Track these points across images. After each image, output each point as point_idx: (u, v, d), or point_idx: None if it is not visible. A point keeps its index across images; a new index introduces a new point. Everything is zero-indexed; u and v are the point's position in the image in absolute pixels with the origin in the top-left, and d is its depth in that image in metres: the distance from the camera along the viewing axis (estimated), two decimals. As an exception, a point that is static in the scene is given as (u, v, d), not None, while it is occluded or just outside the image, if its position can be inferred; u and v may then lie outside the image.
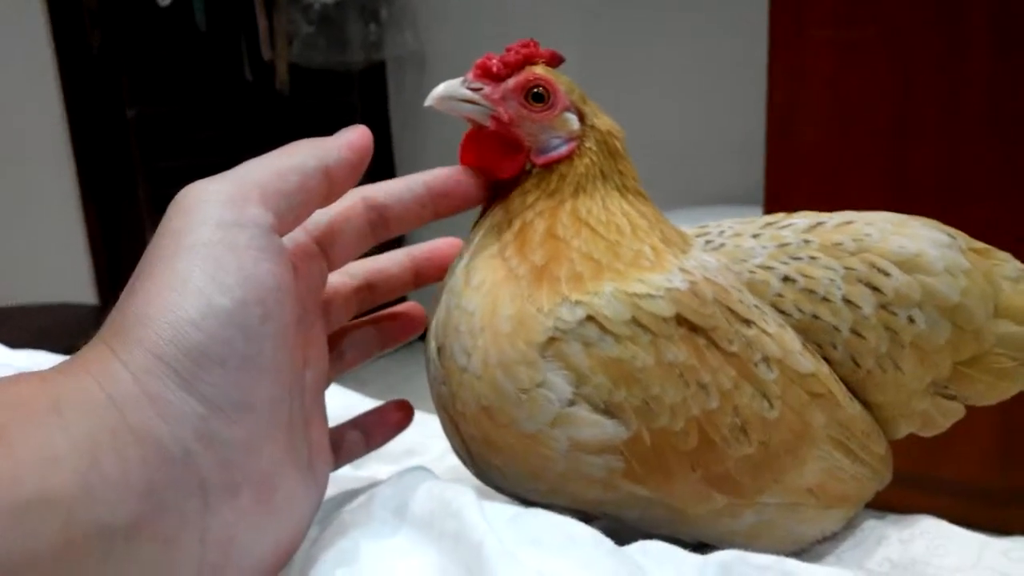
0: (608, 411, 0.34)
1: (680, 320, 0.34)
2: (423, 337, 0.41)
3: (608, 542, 0.31)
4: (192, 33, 2.26)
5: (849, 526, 0.40)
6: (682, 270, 0.36)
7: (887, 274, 0.37)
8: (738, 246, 0.38)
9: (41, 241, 2.20)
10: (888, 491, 0.40)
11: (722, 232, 0.39)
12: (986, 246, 0.39)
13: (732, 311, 0.35)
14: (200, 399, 0.27)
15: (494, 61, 0.37)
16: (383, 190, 0.39)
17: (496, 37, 0.42)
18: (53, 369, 0.28)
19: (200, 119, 2.37)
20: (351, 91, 2.44)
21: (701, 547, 0.35)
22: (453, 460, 0.44)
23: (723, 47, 1.93)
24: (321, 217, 0.37)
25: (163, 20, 2.20)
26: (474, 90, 0.37)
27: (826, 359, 0.37)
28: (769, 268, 0.37)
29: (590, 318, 0.34)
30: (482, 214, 0.39)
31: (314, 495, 0.33)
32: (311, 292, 0.36)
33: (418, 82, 2.42)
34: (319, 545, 0.32)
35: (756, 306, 0.36)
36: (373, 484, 0.37)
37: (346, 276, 0.41)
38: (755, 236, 0.39)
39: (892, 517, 0.41)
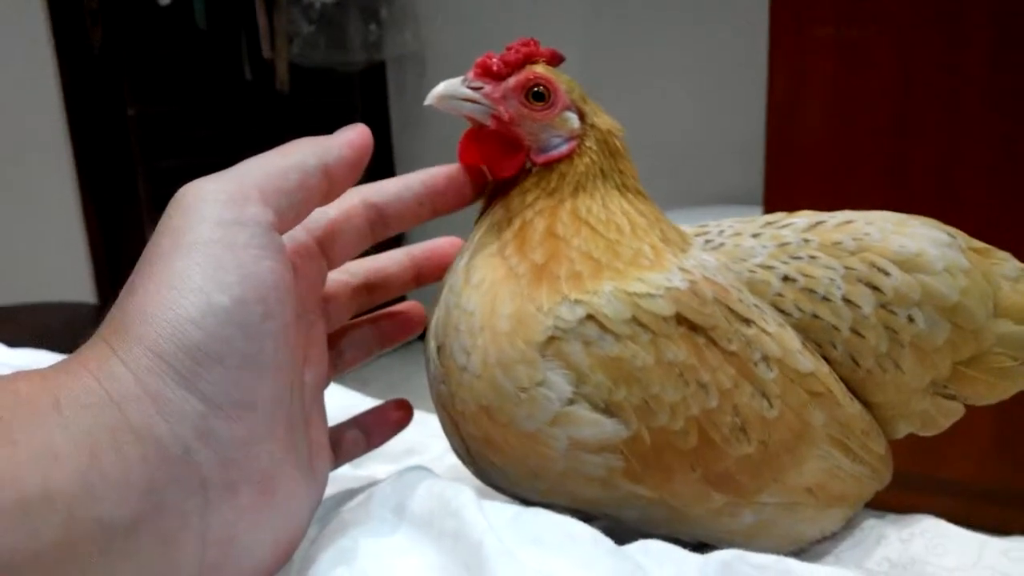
0: (608, 410, 0.34)
1: (680, 319, 0.34)
2: (423, 336, 0.41)
3: (608, 541, 0.31)
4: (192, 32, 2.26)
5: (848, 525, 0.40)
6: (682, 269, 0.36)
7: (887, 273, 0.37)
8: (738, 245, 0.38)
9: (41, 240, 2.20)
10: (887, 491, 0.40)
11: (722, 231, 0.39)
12: (986, 246, 0.39)
13: (732, 310, 0.35)
14: (200, 397, 0.27)
15: (494, 60, 0.37)
16: (382, 189, 0.39)
17: (496, 37, 0.42)
18: (53, 367, 0.28)
19: (200, 118, 2.37)
20: (351, 91, 2.44)
21: (700, 547, 0.35)
22: (453, 459, 0.44)
23: (723, 47, 1.93)
24: (320, 216, 0.37)
25: (163, 19, 2.20)
26: (474, 89, 0.37)
27: (826, 358, 0.37)
28: (769, 267, 0.37)
29: (590, 317, 0.34)
30: (482, 213, 0.39)
31: (314, 494, 0.33)
32: (311, 291, 0.36)
33: (418, 82, 2.42)
34: (318, 544, 0.32)
35: (756, 305, 0.36)
36: (372, 483, 0.37)
37: (346, 275, 0.41)
38: (755, 235, 0.39)
39: (891, 517, 0.41)
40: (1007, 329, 0.38)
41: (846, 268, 0.37)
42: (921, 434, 0.40)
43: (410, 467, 0.36)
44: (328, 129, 0.35)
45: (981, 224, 0.41)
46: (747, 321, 0.35)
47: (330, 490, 0.36)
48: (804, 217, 0.39)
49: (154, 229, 0.30)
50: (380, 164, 2.36)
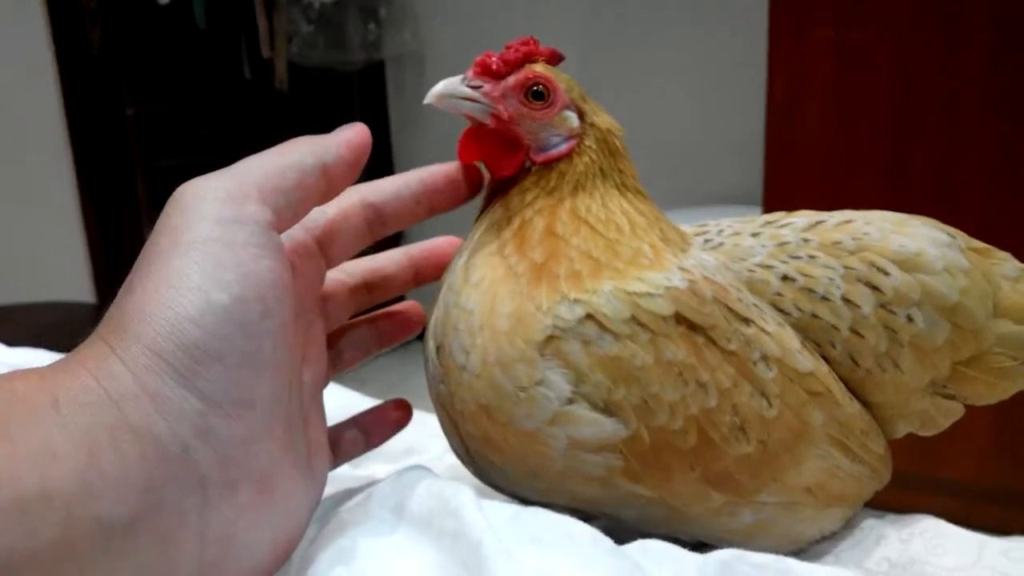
0: (607, 409, 0.34)
1: (679, 319, 0.34)
2: (422, 336, 0.41)
3: (607, 541, 0.31)
4: (191, 32, 2.26)
5: (848, 525, 0.40)
6: (681, 269, 0.36)
7: (886, 273, 0.37)
8: (737, 245, 0.38)
9: (40, 239, 2.19)
10: (887, 491, 0.40)
11: (721, 231, 0.39)
12: (986, 245, 0.39)
13: (731, 310, 0.35)
14: (199, 396, 0.27)
15: (494, 59, 0.37)
16: (380, 188, 0.39)
17: (495, 36, 0.42)
18: (51, 366, 0.28)
19: (199, 118, 2.37)
20: (350, 90, 2.44)
21: (700, 546, 0.35)
22: (452, 459, 0.44)
23: (723, 47, 1.93)
24: (319, 215, 0.37)
25: (163, 18, 2.20)
26: (474, 88, 0.37)
27: (825, 358, 0.37)
28: (768, 267, 0.37)
29: (589, 316, 0.34)
30: (481, 212, 0.39)
31: (313, 493, 0.33)
32: (309, 290, 0.36)
33: (417, 81, 2.42)
34: (317, 543, 0.32)
35: (755, 305, 0.36)
36: (371, 483, 0.37)
37: (344, 275, 0.41)
38: (754, 235, 0.39)
39: (891, 516, 0.41)
40: (1007, 329, 0.38)
41: (845, 268, 0.37)
42: (920, 434, 0.40)
43: (409, 467, 0.36)
44: (327, 128, 0.35)
45: (980, 225, 0.41)
46: (746, 320, 0.35)
47: (329, 490, 0.36)
48: (803, 217, 0.39)
49: (153, 228, 0.30)
50: (379, 163, 2.36)
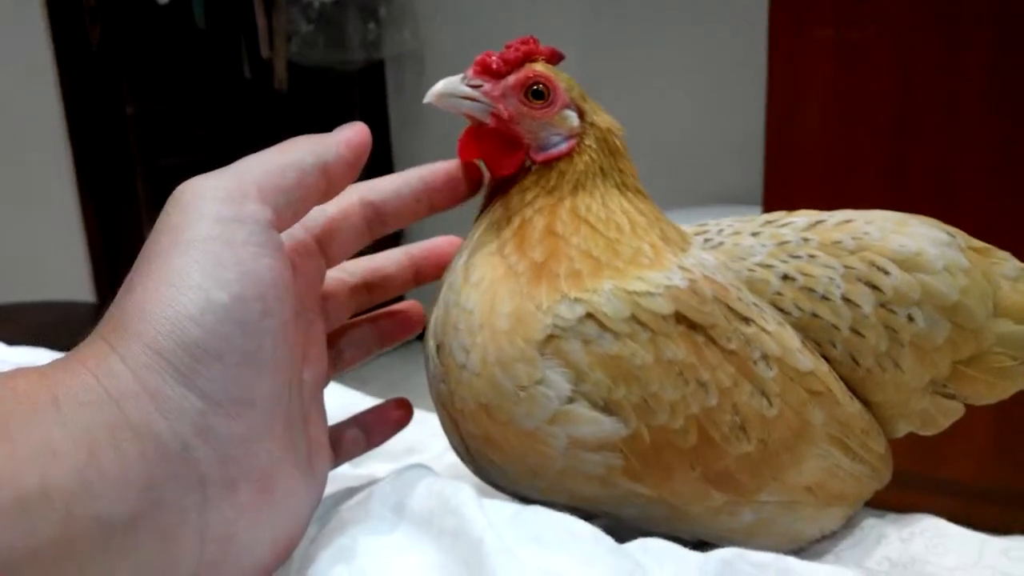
0: (607, 408, 0.34)
1: (679, 318, 0.34)
2: (422, 336, 0.41)
3: (608, 539, 0.31)
4: (191, 31, 2.26)
5: (848, 524, 0.40)
6: (681, 268, 0.36)
7: (887, 272, 0.37)
8: (737, 244, 0.38)
9: (39, 238, 2.19)
10: (887, 490, 0.40)
11: (721, 230, 0.39)
12: (986, 245, 0.39)
13: (731, 309, 0.35)
14: (199, 394, 0.27)
15: (494, 58, 0.37)
16: (379, 186, 0.39)
17: (495, 36, 0.42)
18: (51, 364, 0.28)
19: (199, 117, 2.37)
20: (350, 90, 2.43)
21: (700, 545, 0.35)
22: (453, 458, 0.44)
23: (723, 47, 1.93)
24: (318, 214, 0.37)
25: (162, 18, 2.20)
26: (474, 87, 0.37)
27: (825, 357, 0.37)
28: (768, 266, 0.37)
29: (589, 315, 0.34)
30: (481, 211, 0.39)
31: (313, 492, 0.33)
32: (310, 289, 0.36)
33: (417, 81, 2.42)
34: (318, 542, 0.32)
35: (755, 304, 0.36)
36: (372, 482, 0.37)
37: (345, 274, 0.41)
38: (754, 234, 0.39)
39: (891, 516, 0.41)
40: (1007, 328, 0.38)
41: (845, 267, 0.37)
42: (921, 433, 0.40)
43: (410, 466, 0.36)
44: (327, 128, 0.35)
45: (980, 225, 0.41)
46: (746, 320, 0.35)
47: (330, 489, 0.36)
48: (804, 216, 0.39)
49: (152, 227, 0.30)
50: (379, 163, 2.35)
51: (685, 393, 0.34)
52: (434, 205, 0.40)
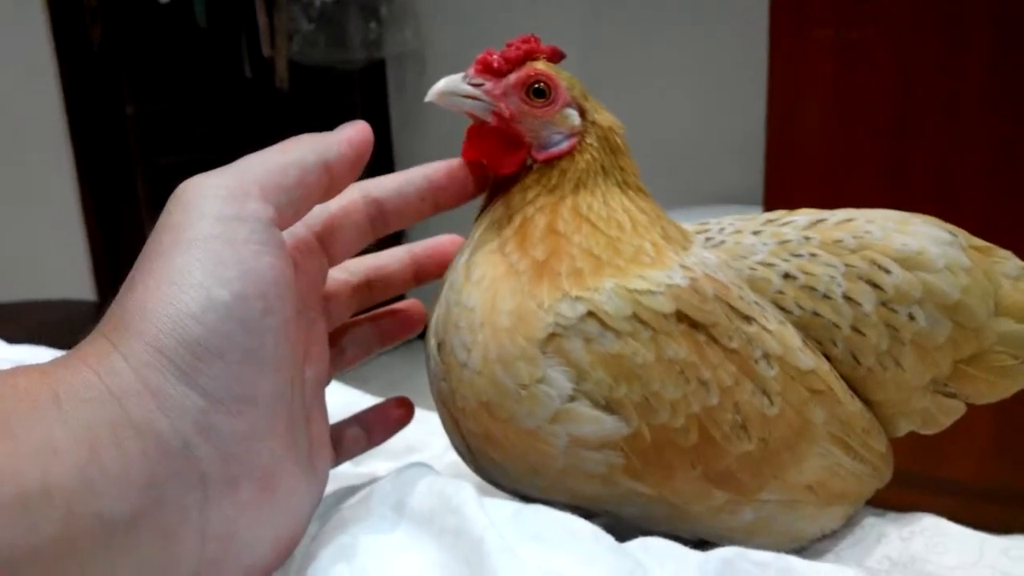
0: (608, 407, 0.34)
1: (680, 316, 0.34)
2: (423, 334, 0.41)
3: (609, 538, 0.31)
4: (192, 30, 2.26)
5: (849, 524, 0.40)
6: (683, 266, 0.36)
7: (888, 271, 0.37)
8: (739, 243, 0.38)
9: (40, 237, 2.19)
10: (888, 489, 0.40)
11: (722, 229, 0.39)
12: (987, 244, 0.39)
13: (732, 308, 0.35)
14: (200, 392, 0.27)
15: (495, 57, 0.37)
16: (382, 184, 0.39)
17: (496, 35, 0.42)
18: (53, 362, 0.28)
19: (199, 116, 2.37)
20: (351, 89, 2.43)
21: (701, 544, 0.35)
22: (453, 457, 0.44)
23: (723, 47, 1.93)
24: (320, 212, 0.37)
25: (163, 17, 2.20)
26: (475, 85, 0.37)
27: (826, 356, 0.37)
28: (770, 265, 0.37)
29: (590, 314, 0.34)
30: (483, 210, 0.39)
31: (314, 491, 0.33)
32: (311, 287, 0.36)
33: (418, 80, 2.42)
34: (319, 540, 0.32)
35: (756, 303, 0.36)
36: (373, 480, 0.37)
37: (346, 273, 0.41)
38: (756, 233, 0.39)
39: (892, 515, 0.41)
40: (1008, 327, 0.38)
41: (847, 266, 0.37)
42: (922, 432, 0.40)
43: (410, 464, 0.36)
44: (328, 127, 0.35)
45: (980, 225, 0.41)
46: (748, 318, 0.35)
47: (330, 487, 0.36)
48: (805, 215, 0.39)
49: (153, 226, 0.30)
50: (380, 162, 2.36)
51: (686, 392, 0.34)
52: (439, 204, 0.39)
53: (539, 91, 0.37)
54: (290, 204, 0.32)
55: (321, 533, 0.33)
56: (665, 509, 0.36)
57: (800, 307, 0.37)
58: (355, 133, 0.34)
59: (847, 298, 0.37)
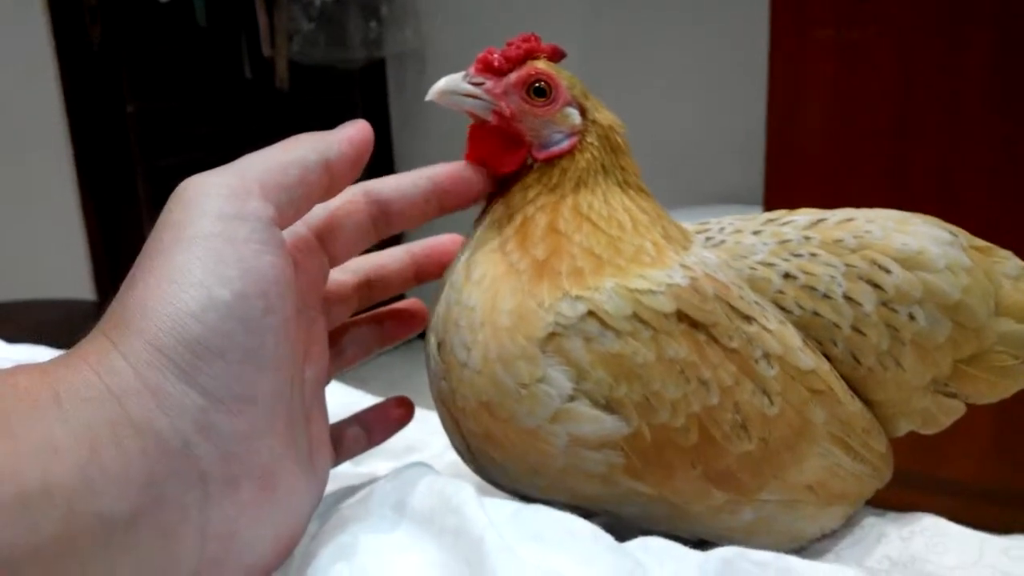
0: (608, 407, 0.34)
1: (681, 316, 0.34)
2: (423, 334, 0.41)
3: (608, 538, 0.31)
4: (192, 29, 2.26)
5: (849, 523, 0.40)
6: (683, 266, 0.36)
7: (888, 271, 0.37)
8: (739, 243, 0.38)
9: (40, 237, 2.19)
10: (888, 489, 0.40)
11: (723, 229, 0.39)
12: (988, 244, 0.39)
13: (733, 307, 0.35)
14: (200, 391, 0.27)
15: (495, 55, 0.37)
16: (386, 185, 0.39)
17: (496, 35, 0.42)
18: (53, 361, 0.28)
19: (200, 116, 2.37)
20: (351, 88, 2.44)
21: (701, 544, 0.35)
22: (453, 456, 0.44)
23: (723, 47, 1.93)
24: (321, 212, 0.37)
25: (163, 16, 2.20)
26: (475, 84, 0.37)
27: (827, 356, 0.37)
28: (770, 265, 0.37)
29: (591, 313, 0.34)
30: (483, 209, 0.39)
31: (314, 490, 0.33)
32: (312, 287, 0.36)
33: (418, 79, 2.42)
34: (318, 540, 0.32)
35: (757, 303, 0.36)
36: (373, 480, 0.37)
37: (347, 273, 0.41)
38: (756, 233, 0.38)
39: (892, 515, 0.41)
40: (1008, 328, 0.38)
41: (847, 266, 0.37)
42: (922, 432, 0.40)
43: (410, 464, 0.36)
44: (328, 127, 0.35)
45: (981, 225, 0.41)
46: (748, 318, 0.35)
47: (330, 487, 0.36)
48: (805, 214, 0.39)
49: (153, 226, 0.30)
50: (380, 161, 2.36)
51: (686, 391, 0.34)
52: (444, 206, 0.39)
53: (540, 90, 0.37)
54: (291, 203, 0.32)
55: (321, 532, 0.33)
56: (665, 509, 0.36)
57: (800, 307, 0.37)
58: (356, 132, 0.34)
59: (847, 298, 0.37)
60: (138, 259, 0.30)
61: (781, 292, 0.37)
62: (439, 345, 0.37)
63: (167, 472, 0.27)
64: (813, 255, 0.37)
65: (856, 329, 0.37)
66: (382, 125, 2.47)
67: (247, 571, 0.30)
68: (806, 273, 0.37)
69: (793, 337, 0.36)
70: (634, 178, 0.38)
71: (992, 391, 0.39)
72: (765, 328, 0.35)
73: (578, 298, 0.34)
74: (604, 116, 0.38)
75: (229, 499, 0.28)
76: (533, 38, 0.38)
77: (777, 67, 1.29)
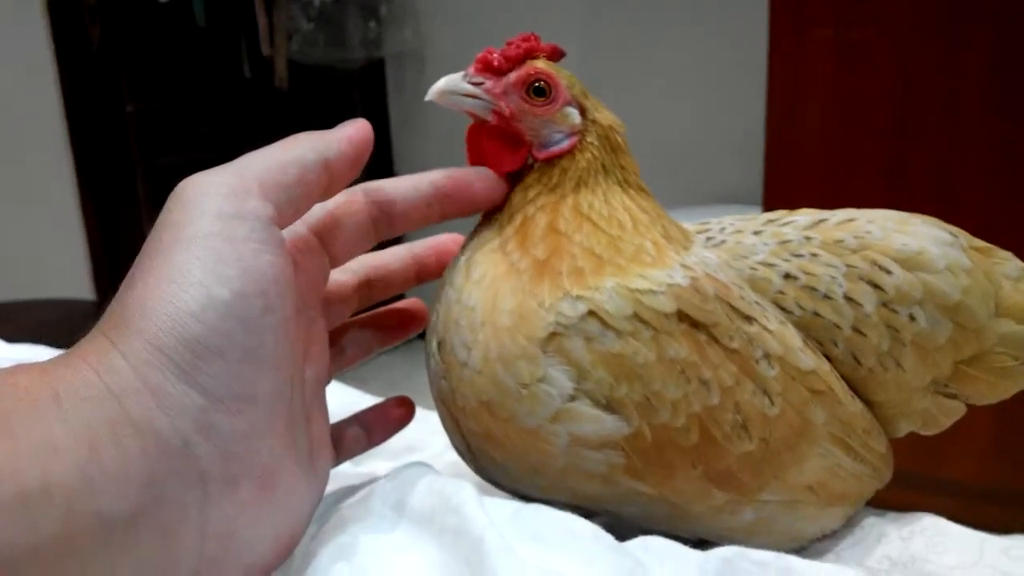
0: (609, 407, 0.34)
1: (681, 316, 0.34)
2: (423, 334, 0.40)
3: (609, 538, 0.31)
4: (191, 29, 2.26)
5: (849, 524, 0.40)
6: (683, 266, 0.36)
7: (888, 272, 0.37)
8: (739, 243, 0.38)
9: (40, 236, 2.19)
10: (888, 490, 0.40)
11: (723, 229, 0.39)
12: (988, 245, 0.39)
13: (733, 307, 0.35)
14: (200, 391, 0.27)
15: (495, 55, 0.37)
16: (388, 186, 0.38)
17: (496, 35, 0.42)
18: (52, 361, 0.28)
19: (199, 115, 2.37)
20: (350, 88, 2.43)
21: (701, 543, 0.35)
22: (453, 456, 0.44)
23: (723, 47, 1.93)
24: (321, 212, 0.37)
25: (162, 16, 2.20)
26: (475, 84, 0.37)
27: (827, 357, 0.37)
28: (770, 265, 0.37)
29: (591, 313, 0.34)
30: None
31: (315, 490, 0.33)
32: (312, 286, 0.36)
33: (417, 79, 2.42)
34: (318, 540, 0.32)
35: (757, 303, 0.36)
36: (373, 480, 0.37)
37: (347, 272, 0.41)
38: (756, 233, 0.38)
39: (892, 515, 0.41)
40: (1008, 328, 0.38)
41: (848, 266, 0.37)
42: (922, 433, 0.40)
43: (410, 464, 0.36)
44: (327, 127, 0.35)
45: (981, 226, 0.41)
46: (748, 318, 0.35)
47: (330, 487, 0.36)
48: (806, 215, 0.39)
49: (153, 225, 0.30)
50: (379, 161, 2.35)
51: (687, 391, 0.34)
52: (446, 211, 0.38)
53: (539, 90, 0.37)
54: (290, 202, 0.32)
55: (321, 532, 0.33)
56: (665, 509, 0.36)
57: (801, 307, 0.37)
58: (355, 131, 0.34)
59: (848, 298, 0.37)
60: (137, 259, 0.30)
61: (782, 292, 0.37)
62: (439, 345, 0.37)
63: (167, 472, 0.27)
64: (814, 255, 0.37)
65: (856, 330, 0.37)
66: (381, 125, 2.47)
67: (247, 571, 0.30)
68: (807, 273, 0.37)
69: (794, 337, 0.36)
70: (634, 177, 0.38)
71: (992, 392, 0.39)
72: (766, 328, 0.35)
73: (579, 298, 0.34)
74: (604, 116, 0.38)
75: (229, 499, 0.28)
76: (533, 38, 0.38)
77: (776, 67, 1.30)
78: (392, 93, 2.51)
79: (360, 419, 0.41)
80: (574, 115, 0.38)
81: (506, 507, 0.33)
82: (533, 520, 0.32)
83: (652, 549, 0.32)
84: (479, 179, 0.38)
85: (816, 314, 0.37)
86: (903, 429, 0.40)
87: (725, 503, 0.35)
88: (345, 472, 0.46)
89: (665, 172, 1.85)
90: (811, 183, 1.31)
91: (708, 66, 1.98)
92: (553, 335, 0.34)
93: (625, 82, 2.01)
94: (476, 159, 0.39)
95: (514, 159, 0.38)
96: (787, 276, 0.37)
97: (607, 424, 0.33)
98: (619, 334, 0.33)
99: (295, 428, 0.31)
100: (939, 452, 1.07)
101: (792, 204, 0.42)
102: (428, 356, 0.38)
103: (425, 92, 0.37)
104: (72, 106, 2.16)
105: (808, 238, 0.38)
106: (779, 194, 1.32)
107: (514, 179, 0.38)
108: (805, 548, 0.39)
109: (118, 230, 2.28)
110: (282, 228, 0.31)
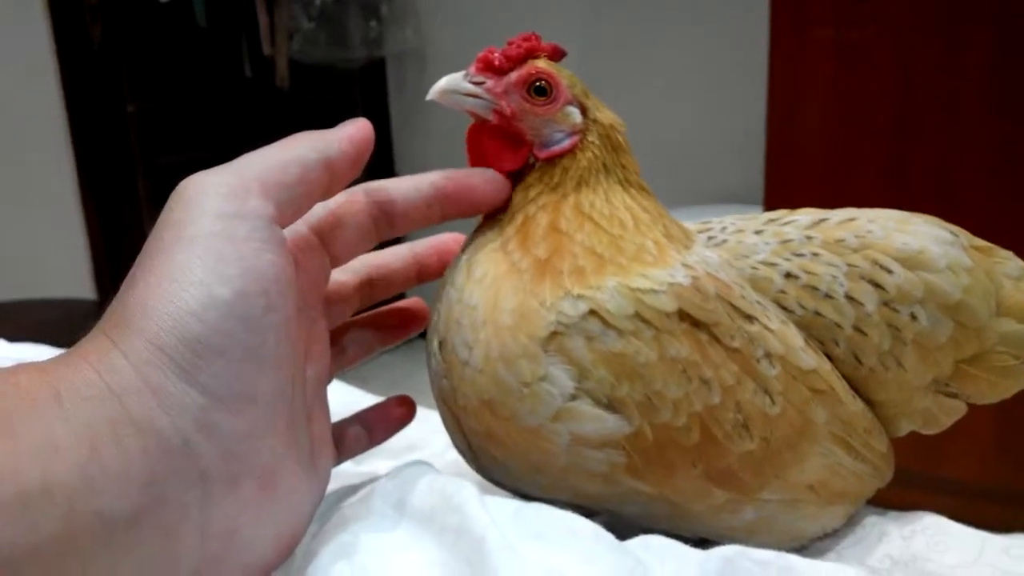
0: (610, 406, 0.34)
1: (682, 315, 0.34)
2: (424, 334, 0.40)
3: (610, 537, 0.31)
4: (192, 29, 2.26)
5: (850, 522, 0.40)
6: (685, 265, 0.36)
7: (889, 271, 0.37)
8: (740, 242, 0.38)
9: (40, 236, 2.19)
10: (889, 489, 0.40)
11: (724, 228, 0.39)
12: (988, 244, 0.39)
13: (734, 307, 0.35)
14: (201, 390, 0.27)
15: (496, 55, 0.37)
16: (389, 186, 0.38)
17: (496, 34, 0.42)
18: (53, 360, 0.28)
19: (200, 115, 2.37)
20: (351, 88, 2.44)
21: (702, 542, 0.35)
22: (454, 455, 0.44)
23: (723, 47, 1.93)
24: (322, 211, 0.37)
25: (163, 16, 2.20)
26: (476, 84, 0.37)
27: (828, 356, 0.37)
28: (772, 264, 0.37)
29: (592, 312, 0.34)
30: (484, 208, 0.39)
31: (316, 489, 0.33)
32: (313, 286, 0.36)
33: (418, 78, 2.42)
34: (319, 539, 0.32)
35: (758, 302, 0.36)
36: (374, 479, 0.37)
37: (348, 272, 0.41)
38: (757, 232, 0.38)
39: (893, 514, 0.41)
40: (1009, 328, 0.38)
41: (849, 265, 0.37)
42: (923, 432, 0.40)
43: (411, 463, 0.36)
44: (328, 126, 0.35)
45: (981, 225, 0.41)
46: (750, 318, 0.35)
47: (332, 486, 0.36)
48: (807, 214, 0.39)
49: (154, 225, 0.30)
50: (380, 161, 2.35)
51: (688, 391, 0.34)
52: (446, 213, 0.38)
53: (540, 89, 0.37)
54: (291, 201, 0.32)
55: (322, 531, 0.33)
56: (666, 508, 0.36)
57: (802, 307, 0.37)
58: (356, 131, 0.34)
59: (849, 298, 0.37)
60: (138, 258, 0.30)
61: (783, 292, 0.37)
62: (440, 344, 0.37)
63: (168, 471, 0.27)
64: (815, 255, 0.37)
65: (858, 329, 0.37)
66: (382, 124, 2.47)
67: (247, 570, 0.30)
68: (808, 273, 0.37)
69: (795, 337, 0.36)
70: (635, 176, 0.38)
71: (993, 391, 0.39)
72: (767, 328, 0.35)
73: (580, 297, 0.34)
74: (605, 115, 0.38)
75: (230, 498, 0.28)
76: (533, 37, 0.38)
77: (777, 67, 1.30)
78: (393, 92, 2.51)
79: (361, 418, 0.41)
80: (575, 114, 0.38)
81: (507, 506, 0.33)
82: (534, 519, 0.32)
83: (653, 548, 0.32)
84: (482, 181, 0.38)
85: (817, 313, 0.37)
86: (904, 428, 0.40)
87: (726, 502, 0.35)
88: (346, 471, 0.46)
89: (666, 172, 1.85)
90: (812, 183, 1.31)
91: (709, 66, 1.98)
92: (554, 334, 0.34)
93: (626, 82, 2.01)
94: (477, 158, 0.39)
95: (515, 158, 0.38)
96: (788, 275, 0.37)
97: (608, 423, 0.33)
98: (620, 333, 0.33)
99: (296, 427, 0.31)
100: (940, 451, 1.07)
101: (792, 204, 0.42)
102: (429, 355, 0.38)
103: (426, 91, 0.37)
104: (73, 106, 2.16)
105: (809, 237, 0.38)
106: (780, 194, 1.32)
107: (515, 178, 0.38)
108: (806, 547, 0.39)
109: (119, 229, 2.28)
110: (283, 227, 0.31)
